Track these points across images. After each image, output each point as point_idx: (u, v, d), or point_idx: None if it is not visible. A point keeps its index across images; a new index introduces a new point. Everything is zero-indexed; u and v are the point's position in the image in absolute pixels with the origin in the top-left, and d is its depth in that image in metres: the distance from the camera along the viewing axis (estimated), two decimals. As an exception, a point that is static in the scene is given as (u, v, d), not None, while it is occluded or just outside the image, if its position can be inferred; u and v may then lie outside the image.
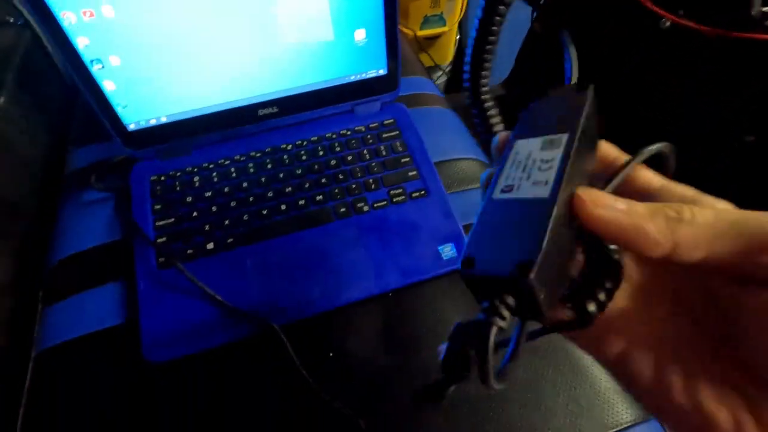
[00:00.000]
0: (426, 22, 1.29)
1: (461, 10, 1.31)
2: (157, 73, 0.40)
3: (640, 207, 0.15)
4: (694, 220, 0.14)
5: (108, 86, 0.39)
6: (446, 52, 1.41)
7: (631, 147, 0.19)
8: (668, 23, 0.61)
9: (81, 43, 0.36)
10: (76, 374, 0.36)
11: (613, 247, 0.16)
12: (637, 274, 0.18)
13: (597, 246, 0.16)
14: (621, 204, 0.15)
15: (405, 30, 1.29)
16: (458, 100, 1.39)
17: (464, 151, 0.49)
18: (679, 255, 0.14)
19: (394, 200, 0.43)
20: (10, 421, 0.34)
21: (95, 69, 0.37)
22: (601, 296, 0.16)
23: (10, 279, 0.42)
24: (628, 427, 0.33)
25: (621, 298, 0.17)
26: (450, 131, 0.52)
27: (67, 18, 0.34)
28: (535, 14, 1.09)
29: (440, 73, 1.50)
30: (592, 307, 0.15)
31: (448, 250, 0.40)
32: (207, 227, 0.40)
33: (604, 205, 0.15)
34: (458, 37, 1.44)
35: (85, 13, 0.34)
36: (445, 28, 1.30)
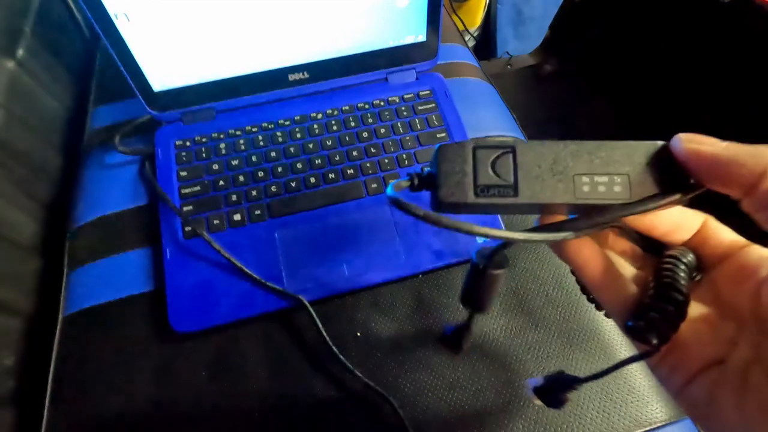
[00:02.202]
0: (457, -18, 1.22)
1: (495, -28, 1.23)
2: (185, 35, 0.37)
3: (736, 145, 0.16)
4: None
5: (133, 43, 0.36)
6: (475, 17, 1.34)
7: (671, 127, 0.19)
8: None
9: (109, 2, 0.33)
10: (104, 339, 0.35)
11: (683, 282, 0.17)
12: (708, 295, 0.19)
13: (668, 279, 0.17)
14: (721, 142, 0.16)
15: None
16: (487, 68, 1.34)
17: (502, 129, 0.47)
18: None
19: (428, 178, 0.41)
20: (40, 383, 0.35)
21: (120, 24, 0.35)
22: (666, 329, 0.17)
23: (36, 241, 0.42)
24: (661, 426, 0.32)
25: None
26: (488, 106, 0.49)
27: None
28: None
29: (468, 37, 1.43)
30: (655, 340, 0.17)
31: (482, 233, 0.38)
32: (234, 197, 0.39)
33: (702, 142, 0.16)
34: (488, 1, 1.36)
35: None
36: (476, -9, 1.23)
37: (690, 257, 0.18)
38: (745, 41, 0.60)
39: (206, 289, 0.36)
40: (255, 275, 0.35)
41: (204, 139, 0.42)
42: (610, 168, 0.17)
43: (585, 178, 0.17)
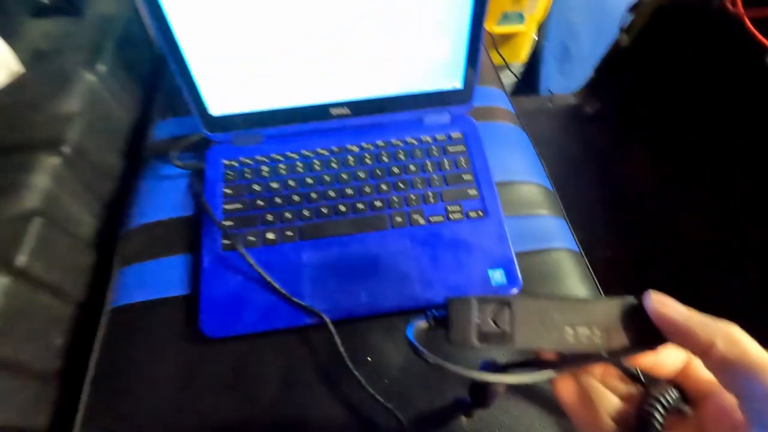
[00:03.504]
0: (505, 18, 1.25)
1: (545, 9, 1.25)
2: (243, 71, 0.42)
3: (695, 314, 0.19)
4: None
5: (199, 76, 0.41)
6: (519, 52, 1.36)
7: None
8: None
9: (181, 36, 0.38)
10: (143, 334, 0.39)
11: (657, 427, 0.20)
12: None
13: (648, 413, 0.20)
14: (683, 308, 0.20)
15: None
16: (527, 104, 1.34)
17: (528, 175, 0.49)
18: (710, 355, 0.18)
19: (451, 217, 0.43)
20: (81, 369, 0.39)
21: (190, 61, 0.40)
22: None
23: (93, 237, 0.47)
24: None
25: None
26: (517, 151, 0.51)
27: (173, 16, 0.36)
28: (625, 24, 1.03)
29: (511, 73, 1.45)
30: None
31: (497, 276, 0.40)
32: (270, 217, 0.43)
33: (668, 305, 0.20)
34: (536, 38, 1.38)
35: (189, 12, 0.36)
36: (523, 27, 1.25)
37: (673, 394, 0.21)
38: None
39: (236, 300, 0.39)
40: (282, 290, 0.38)
41: (249, 161, 0.46)
42: (591, 321, 0.21)
43: (569, 330, 0.21)
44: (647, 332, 0.20)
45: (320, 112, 0.46)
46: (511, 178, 0.48)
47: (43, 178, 0.41)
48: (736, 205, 0.76)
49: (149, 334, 0.39)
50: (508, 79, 1.51)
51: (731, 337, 0.18)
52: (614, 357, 0.21)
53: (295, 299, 0.38)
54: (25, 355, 0.38)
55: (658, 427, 0.20)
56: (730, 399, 0.20)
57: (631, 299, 0.21)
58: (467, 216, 0.43)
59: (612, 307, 0.21)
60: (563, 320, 0.21)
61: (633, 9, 0.93)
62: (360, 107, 0.46)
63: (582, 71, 1.24)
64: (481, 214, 0.43)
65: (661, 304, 0.20)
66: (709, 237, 0.79)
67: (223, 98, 0.44)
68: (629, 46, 0.98)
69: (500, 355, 0.35)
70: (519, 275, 0.40)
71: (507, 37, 1.30)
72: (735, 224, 0.76)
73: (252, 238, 0.42)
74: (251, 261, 0.39)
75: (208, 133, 0.46)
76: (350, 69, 0.44)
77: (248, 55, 0.41)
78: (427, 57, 0.44)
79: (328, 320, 0.37)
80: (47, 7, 0.56)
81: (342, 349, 0.36)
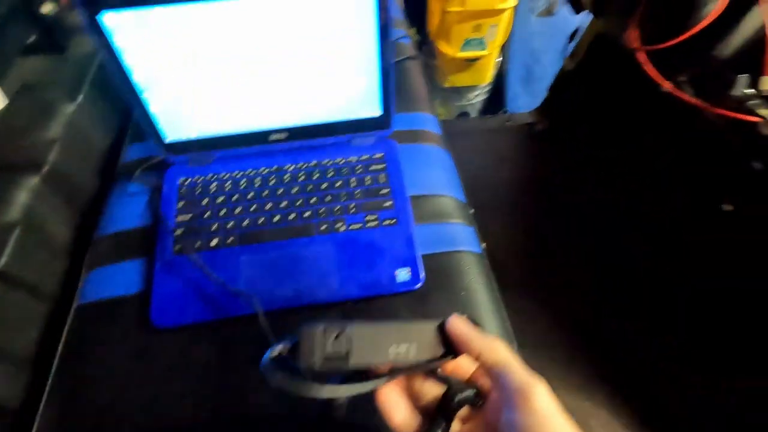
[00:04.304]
0: (467, 44, 1.34)
1: (503, 36, 1.34)
2: (193, 102, 0.50)
3: (474, 332, 0.27)
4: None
5: (154, 109, 0.50)
6: (484, 74, 1.45)
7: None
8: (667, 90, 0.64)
9: (136, 77, 0.46)
10: (103, 327, 0.47)
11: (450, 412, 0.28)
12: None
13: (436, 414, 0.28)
14: (467, 328, 0.27)
15: (445, 50, 1.35)
16: (490, 122, 1.43)
17: (444, 189, 0.56)
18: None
19: (368, 225, 0.51)
20: (48, 359, 0.46)
21: (145, 97, 0.48)
22: None
23: (69, 244, 0.55)
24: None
25: None
26: (437, 169, 0.59)
27: (128, 59, 0.45)
28: (568, 50, 1.12)
29: (478, 92, 1.54)
30: None
31: (403, 274, 0.48)
32: (215, 226, 0.51)
33: (459, 327, 0.28)
34: (499, 59, 1.48)
35: (142, 56, 0.45)
36: (485, 52, 1.34)
37: (466, 391, 0.28)
38: (680, 128, 0.67)
39: (183, 295, 0.47)
40: (221, 280, 0.46)
41: (201, 179, 0.54)
42: (412, 339, 0.28)
43: (395, 347, 0.28)
44: (450, 346, 0.27)
45: (262, 136, 0.55)
46: (428, 192, 0.55)
47: (23, 194, 0.49)
48: (659, 213, 0.83)
49: (109, 326, 0.47)
50: (479, 98, 1.60)
51: (492, 346, 0.26)
52: (428, 366, 0.28)
53: (232, 288, 0.45)
54: (4, 344, 0.45)
55: (452, 414, 0.28)
56: (495, 400, 0.27)
57: (440, 321, 0.28)
58: (382, 224, 0.51)
59: (427, 328, 0.28)
60: (390, 340, 0.27)
61: (572, 37, 1.03)
62: (296, 133, 0.55)
63: (544, 92, 1.33)
64: (394, 222, 0.51)
65: (454, 324, 0.27)
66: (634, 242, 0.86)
67: (177, 126, 0.52)
68: (573, 70, 1.07)
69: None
70: (421, 273, 0.48)
71: (472, 61, 1.40)
72: (659, 230, 0.83)
73: (198, 244, 0.49)
74: (197, 260, 0.47)
75: (166, 156, 0.54)
76: (286, 100, 0.52)
77: (196, 89, 0.49)
78: (349, 90, 0.52)
79: (258, 307, 0.44)
80: (35, 46, 0.65)
81: (269, 333, 0.44)
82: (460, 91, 1.50)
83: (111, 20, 0.42)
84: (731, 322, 0.71)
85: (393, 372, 0.28)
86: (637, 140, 0.88)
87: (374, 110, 0.54)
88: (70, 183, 0.58)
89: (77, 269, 0.52)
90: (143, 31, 0.43)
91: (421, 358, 0.28)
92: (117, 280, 0.49)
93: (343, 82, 0.51)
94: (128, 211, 0.54)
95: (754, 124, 0.54)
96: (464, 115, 1.57)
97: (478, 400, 0.29)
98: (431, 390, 0.30)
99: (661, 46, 0.64)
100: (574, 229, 0.94)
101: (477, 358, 0.27)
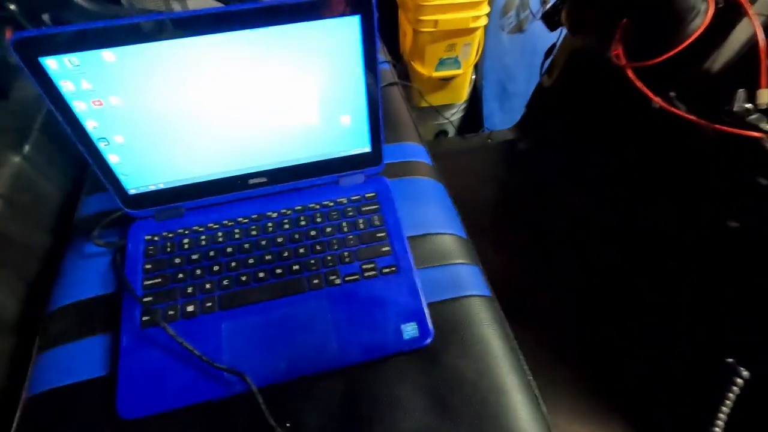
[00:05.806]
0: (441, 64, 1.33)
1: (476, 54, 1.34)
2: (157, 149, 0.44)
3: None
4: None
5: (112, 159, 0.43)
6: (460, 92, 1.44)
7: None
8: (657, 105, 0.62)
9: (90, 125, 0.40)
10: (58, 422, 0.39)
11: None
12: None
13: None
14: None
15: (420, 70, 1.33)
16: (471, 141, 1.41)
17: (442, 226, 0.52)
18: None
19: (366, 275, 0.45)
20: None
21: (102, 146, 0.42)
22: None
23: (15, 319, 0.47)
24: None
25: None
26: (432, 204, 0.54)
27: (78, 106, 0.39)
28: (544, 67, 1.12)
29: (454, 110, 1.53)
30: None
31: (409, 329, 0.42)
32: (190, 289, 0.44)
33: None
34: (474, 77, 1.47)
35: (94, 102, 0.39)
36: (460, 71, 1.33)
37: None
38: (674, 144, 0.66)
39: (156, 376, 0.40)
40: (203, 357, 0.39)
41: (170, 235, 0.47)
42: None
43: None
44: None
45: (239, 182, 0.49)
46: (426, 231, 0.51)
47: (-44, 268, 0.42)
48: (647, 228, 0.82)
49: (66, 421, 0.39)
50: (456, 116, 1.59)
51: None
52: None
53: (216, 364, 0.39)
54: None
55: None
56: None
57: None
58: (381, 272, 0.45)
59: None
60: None
61: (548, 53, 1.02)
62: (277, 175, 0.49)
63: (520, 108, 1.32)
64: (394, 269, 0.46)
65: None
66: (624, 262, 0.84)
67: (140, 176, 0.46)
68: (551, 86, 1.06)
69: None
70: (430, 327, 0.43)
71: (447, 80, 1.38)
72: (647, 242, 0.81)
73: (172, 312, 0.43)
74: (171, 332, 0.40)
75: (128, 210, 0.48)
76: (265, 140, 0.46)
77: (160, 134, 0.43)
78: (335, 127, 0.47)
79: (251, 384, 0.38)
80: (-28, 92, 0.57)
81: (269, 417, 0.37)
82: (436, 110, 1.49)
83: (55, 63, 0.36)
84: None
85: None
86: (623, 156, 0.87)
87: (362, 146, 0.49)
88: (17, 246, 0.50)
89: (26, 352, 0.44)
90: (95, 72, 0.38)
91: None
92: (75, 362, 0.42)
93: (328, 119, 0.46)
94: (86, 277, 0.47)
95: (757, 139, 0.52)
96: (443, 134, 1.55)
97: None
98: None
99: (651, 62, 0.62)
100: (565, 248, 0.91)
101: None
